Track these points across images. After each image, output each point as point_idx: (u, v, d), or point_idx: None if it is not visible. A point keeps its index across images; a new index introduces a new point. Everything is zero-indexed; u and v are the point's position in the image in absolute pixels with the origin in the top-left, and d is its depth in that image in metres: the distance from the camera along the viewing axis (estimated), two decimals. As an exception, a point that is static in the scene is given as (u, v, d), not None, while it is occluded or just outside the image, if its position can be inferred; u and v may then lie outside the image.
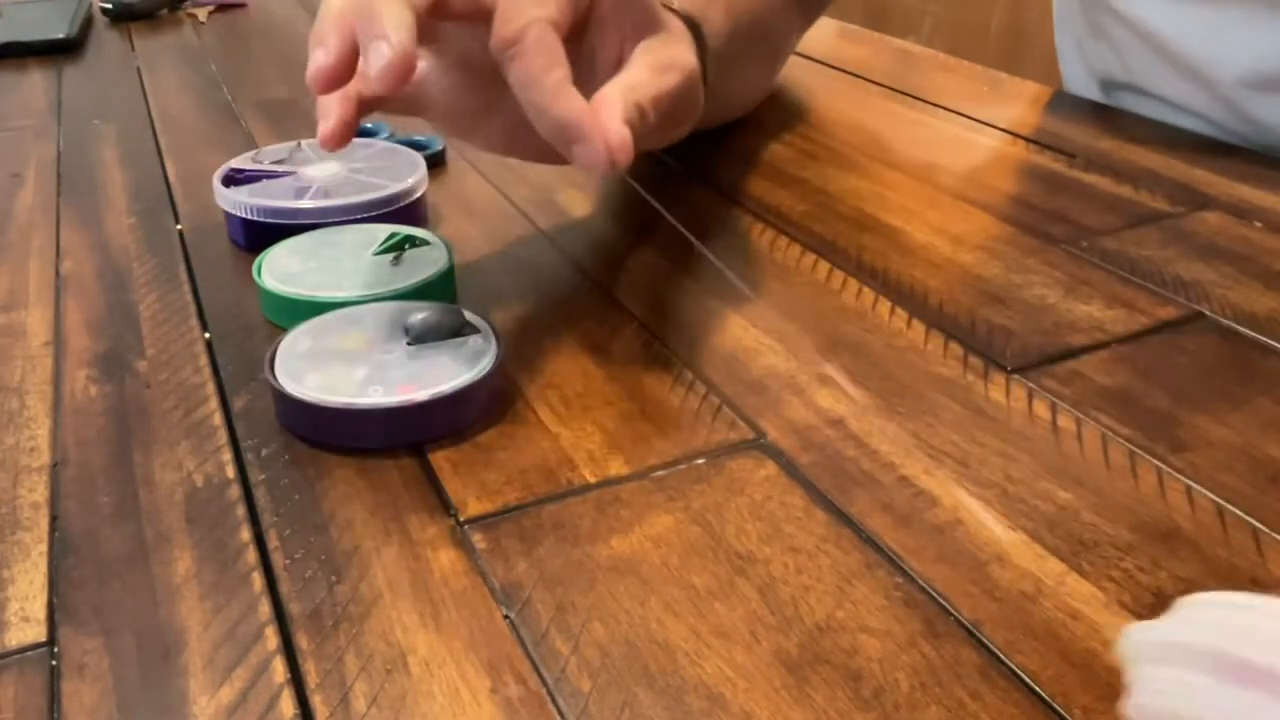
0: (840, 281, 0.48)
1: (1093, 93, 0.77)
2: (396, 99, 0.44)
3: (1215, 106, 0.67)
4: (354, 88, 0.40)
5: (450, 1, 0.40)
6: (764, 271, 0.50)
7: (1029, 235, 0.52)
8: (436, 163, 0.62)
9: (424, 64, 0.43)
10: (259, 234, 0.51)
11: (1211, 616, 0.23)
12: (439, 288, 0.46)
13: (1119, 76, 0.73)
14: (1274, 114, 0.64)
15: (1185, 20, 0.65)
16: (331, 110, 0.40)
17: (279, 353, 0.40)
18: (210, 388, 0.41)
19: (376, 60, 0.36)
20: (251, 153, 0.57)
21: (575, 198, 0.58)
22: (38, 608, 0.31)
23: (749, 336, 0.44)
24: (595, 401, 0.40)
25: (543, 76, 0.38)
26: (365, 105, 0.41)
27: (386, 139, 0.62)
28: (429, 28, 0.40)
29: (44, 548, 0.33)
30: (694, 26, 0.49)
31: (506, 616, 0.30)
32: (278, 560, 0.33)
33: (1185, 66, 0.67)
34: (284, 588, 0.32)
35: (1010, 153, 0.64)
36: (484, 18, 0.39)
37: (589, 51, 0.43)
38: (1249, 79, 0.64)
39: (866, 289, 0.48)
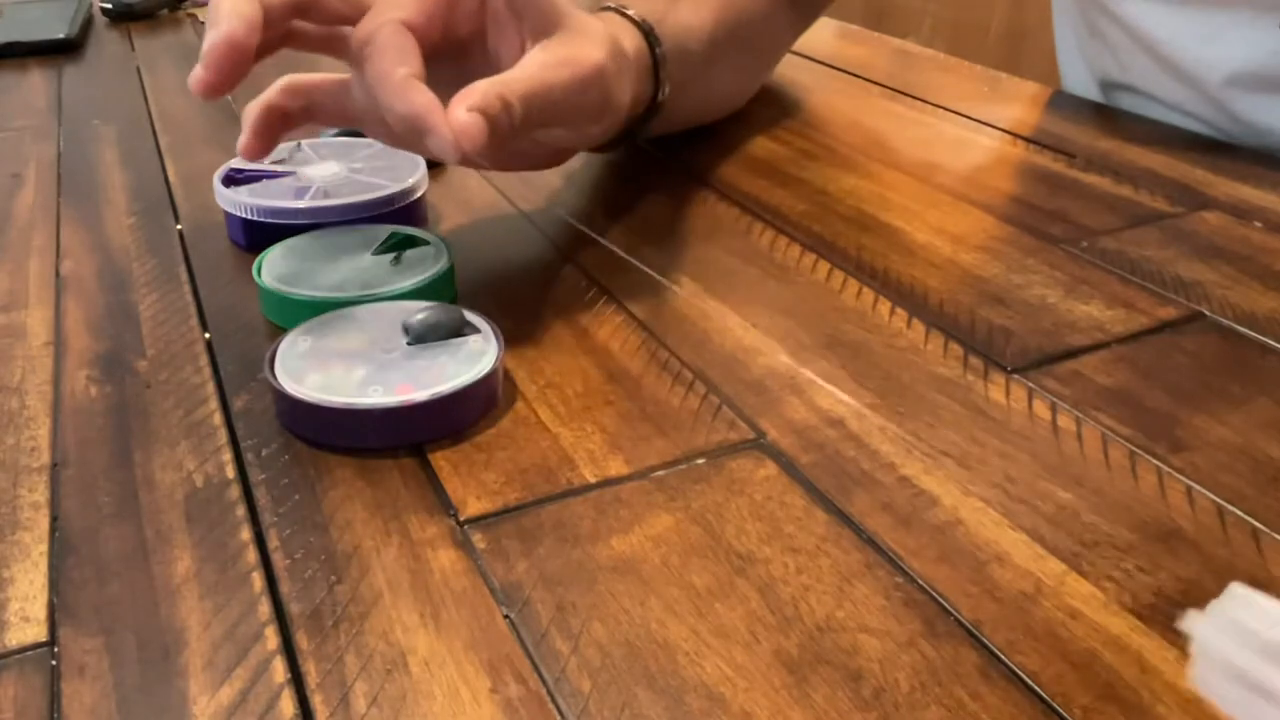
0: (840, 281, 0.48)
1: (1092, 93, 0.77)
2: (334, 117, 0.47)
3: (1207, 108, 0.67)
4: (274, 100, 0.45)
5: (323, 5, 0.43)
6: (764, 271, 0.50)
7: (1029, 235, 0.52)
8: (436, 163, 0.62)
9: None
10: (259, 234, 0.51)
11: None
12: (439, 288, 0.46)
13: (1116, 77, 0.73)
14: (1262, 114, 0.64)
15: (1174, 21, 0.66)
16: (247, 121, 0.44)
17: (279, 353, 0.40)
18: (210, 388, 0.41)
19: (205, 45, 0.39)
20: (251, 153, 0.57)
21: (575, 198, 0.58)
22: (38, 608, 0.31)
23: (749, 336, 0.44)
24: (595, 401, 0.40)
25: (390, 73, 0.40)
26: (280, 117, 0.45)
27: (386, 139, 0.62)
28: (317, 33, 0.45)
29: (44, 548, 0.33)
30: (645, 29, 0.53)
31: (506, 616, 0.30)
32: (278, 560, 0.33)
33: (1174, 67, 0.67)
34: (284, 588, 0.32)
35: (1010, 153, 0.64)
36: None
37: (492, 53, 0.45)
38: (1236, 79, 0.64)
39: (866, 289, 0.48)
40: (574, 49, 0.44)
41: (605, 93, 0.47)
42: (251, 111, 0.45)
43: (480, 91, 0.40)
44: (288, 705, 0.28)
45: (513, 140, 0.43)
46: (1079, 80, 0.79)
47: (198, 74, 0.39)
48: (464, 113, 0.39)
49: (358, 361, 0.39)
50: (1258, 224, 0.53)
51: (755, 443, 0.38)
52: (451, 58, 0.45)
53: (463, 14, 0.45)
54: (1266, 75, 0.63)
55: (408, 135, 0.40)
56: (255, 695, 0.28)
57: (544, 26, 0.44)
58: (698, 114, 0.65)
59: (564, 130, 0.47)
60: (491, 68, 0.44)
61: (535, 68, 0.43)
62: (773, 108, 0.70)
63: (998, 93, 0.75)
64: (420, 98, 0.39)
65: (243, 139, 0.44)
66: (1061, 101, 0.74)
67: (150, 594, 0.31)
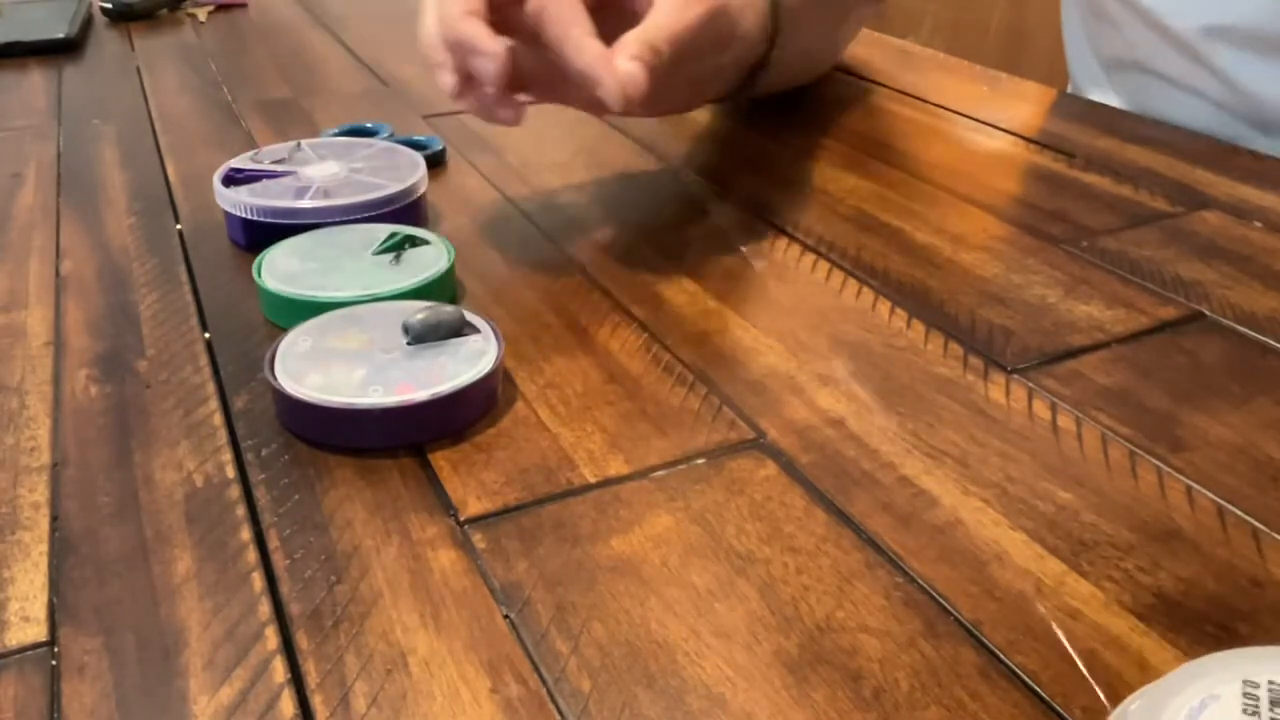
0: (840, 281, 0.48)
1: (1098, 77, 0.78)
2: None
3: (1200, 75, 0.69)
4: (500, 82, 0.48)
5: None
6: (764, 271, 0.50)
7: (1029, 235, 0.52)
8: (436, 163, 0.62)
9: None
10: (259, 234, 0.51)
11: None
12: (439, 288, 0.46)
13: (1123, 55, 0.74)
14: (1244, 73, 0.67)
15: None
16: (494, 106, 0.49)
17: (279, 353, 0.40)
18: (210, 388, 0.41)
19: (485, 74, 0.46)
20: (251, 153, 0.57)
21: (575, 198, 0.58)
22: (38, 608, 0.31)
23: (749, 336, 0.44)
24: (595, 401, 0.40)
25: (567, 33, 0.46)
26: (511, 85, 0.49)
27: (386, 139, 0.62)
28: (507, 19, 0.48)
29: (44, 548, 0.33)
30: None
31: (506, 616, 0.30)
32: (278, 560, 0.33)
33: (1156, 22, 0.69)
34: (284, 588, 0.32)
35: (1010, 153, 0.64)
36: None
37: (629, 7, 0.50)
38: (1213, 30, 0.67)
39: (866, 289, 0.48)
40: None
41: (730, 21, 0.52)
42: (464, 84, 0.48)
43: (633, 41, 0.46)
44: (288, 705, 0.28)
45: (664, 82, 0.48)
46: (1084, 65, 0.80)
47: (506, 116, 0.48)
48: (626, 62, 0.45)
49: (358, 361, 0.39)
50: (1258, 224, 0.53)
51: (755, 443, 0.38)
52: (603, 16, 0.49)
53: None
54: (1242, 29, 0.65)
55: (579, 90, 0.46)
56: (255, 695, 0.28)
57: None
58: (798, 68, 0.69)
59: (699, 65, 0.52)
60: (630, 17, 0.49)
61: (670, 11, 0.48)
62: (773, 107, 0.70)
63: (998, 93, 0.75)
64: (592, 52, 0.45)
65: (506, 113, 0.49)
66: (1061, 101, 0.74)
67: (150, 594, 0.31)
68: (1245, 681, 0.24)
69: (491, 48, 0.45)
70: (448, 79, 0.47)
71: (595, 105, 0.47)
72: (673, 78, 0.49)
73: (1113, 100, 0.77)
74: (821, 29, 0.70)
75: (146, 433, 0.39)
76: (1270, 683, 0.23)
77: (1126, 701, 0.25)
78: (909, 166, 0.61)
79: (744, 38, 0.54)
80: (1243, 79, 0.67)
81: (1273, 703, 0.23)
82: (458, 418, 0.38)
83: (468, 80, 0.47)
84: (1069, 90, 0.83)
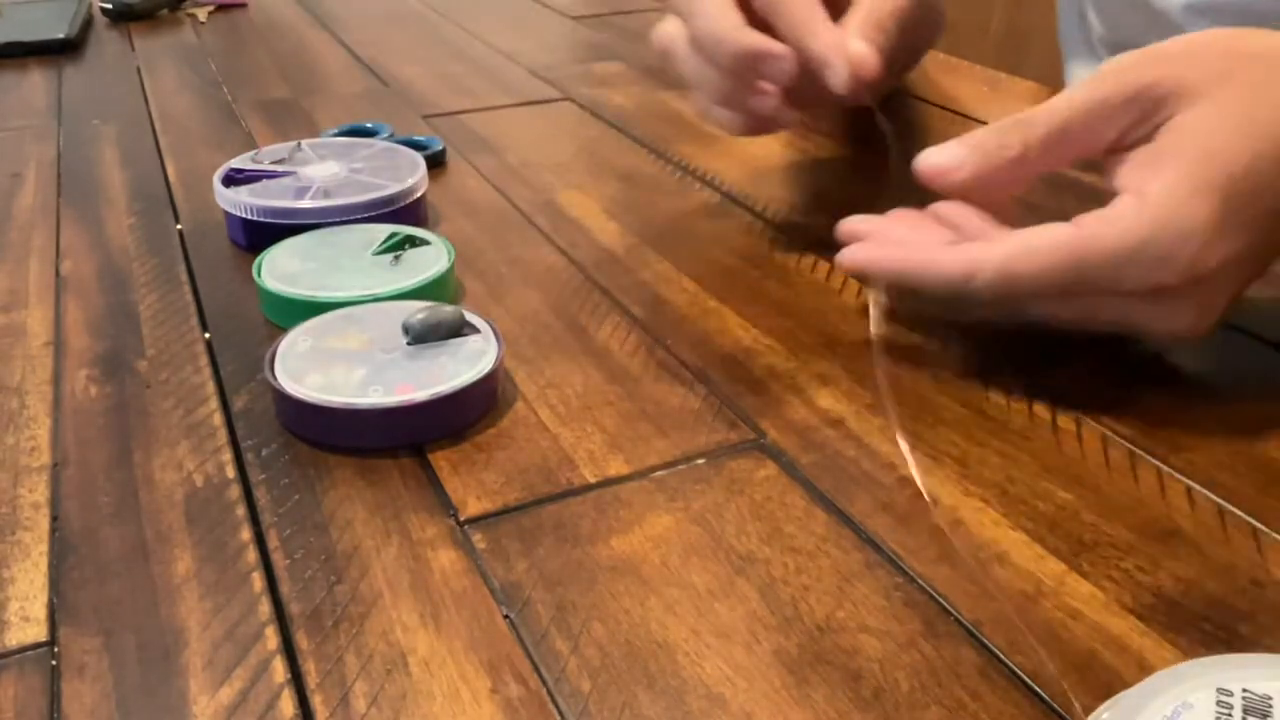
0: (840, 281, 0.48)
1: (1088, 57, 0.79)
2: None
3: None
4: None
5: None
6: (764, 271, 0.50)
7: (1029, 235, 0.52)
8: (436, 163, 0.62)
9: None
10: (259, 234, 0.51)
11: None
12: (439, 288, 0.46)
13: (1112, 35, 0.75)
14: None
15: None
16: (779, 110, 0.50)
17: (279, 353, 0.40)
18: (210, 388, 0.41)
19: (780, 76, 0.47)
20: (251, 153, 0.57)
21: (575, 198, 0.58)
22: (38, 608, 0.31)
23: (749, 336, 0.44)
24: (595, 401, 0.40)
25: (799, 20, 0.46)
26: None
27: (386, 139, 0.62)
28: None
29: (44, 548, 0.33)
30: None
31: (506, 616, 0.30)
32: (278, 560, 0.33)
33: (1145, 5, 0.69)
34: (284, 588, 0.32)
35: (1010, 153, 0.64)
36: None
37: None
38: (1192, 7, 0.66)
39: (866, 289, 0.48)
40: None
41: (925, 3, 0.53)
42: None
43: (858, 23, 0.47)
44: (288, 705, 0.28)
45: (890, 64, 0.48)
46: (1075, 44, 0.80)
47: (789, 118, 0.50)
48: (857, 43, 0.46)
49: (358, 361, 0.39)
50: (1258, 224, 0.53)
51: (755, 443, 0.38)
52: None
53: None
54: (1227, 7, 0.64)
55: (819, 72, 0.46)
56: (255, 695, 0.28)
57: None
58: (915, 56, 0.69)
59: (912, 34, 0.52)
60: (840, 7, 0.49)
61: None
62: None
63: (998, 93, 0.75)
64: (829, 34, 0.46)
65: (789, 114, 0.50)
66: (1061, 101, 0.73)
67: (150, 594, 0.31)
68: (1219, 690, 0.24)
69: (780, 49, 0.46)
70: (787, 67, 0.46)
71: (818, 97, 0.48)
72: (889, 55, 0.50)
73: None
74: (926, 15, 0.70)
75: (146, 433, 0.39)
76: (1244, 691, 0.23)
77: (1100, 709, 0.25)
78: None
79: (933, 13, 0.55)
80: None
81: (1246, 711, 0.23)
82: (458, 418, 0.38)
83: (749, 90, 0.48)
84: (1065, 73, 0.83)
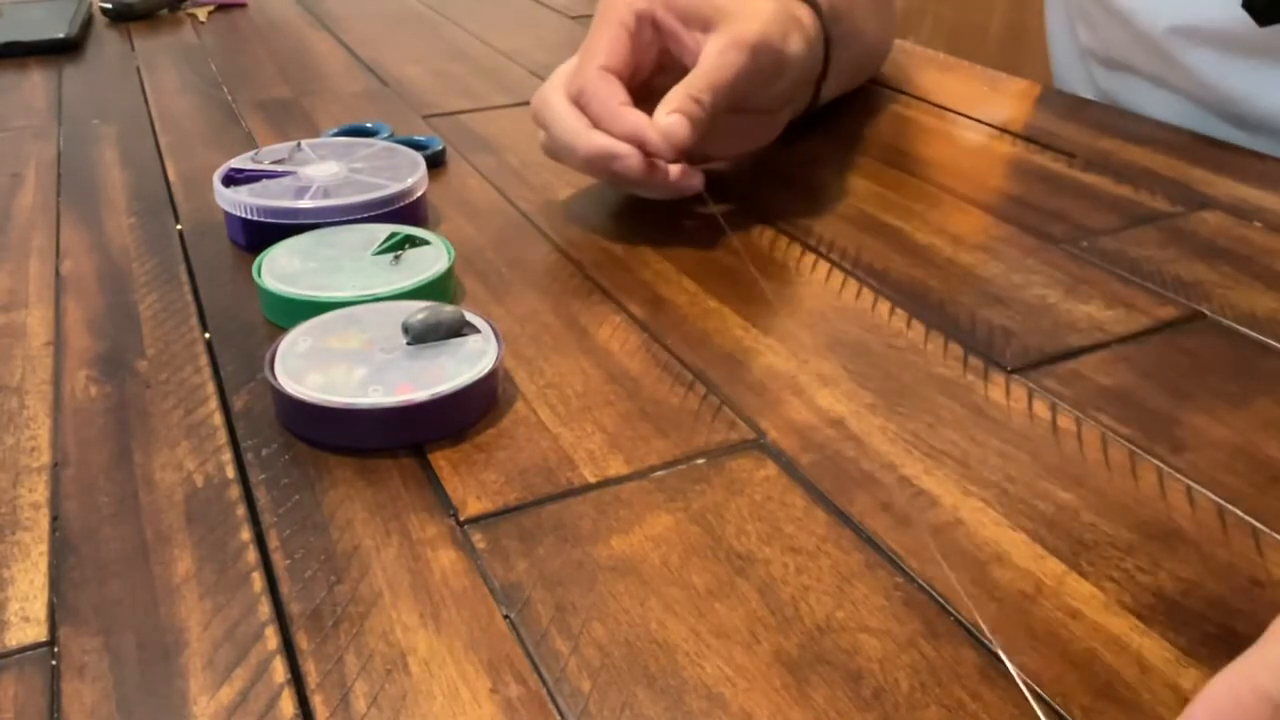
0: (840, 281, 0.48)
1: (1079, 72, 0.79)
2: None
3: (1171, 73, 0.69)
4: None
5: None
6: (764, 271, 0.50)
7: (1029, 235, 0.52)
8: (436, 163, 0.62)
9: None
10: (259, 234, 0.51)
11: None
12: (439, 288, 0.46)
13: (1100, 51, 0.75)
14: (1208, 70, 0.67)
15: None
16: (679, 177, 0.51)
17: (279, 353, 0.40)
18: (210, 388, 0.41)
19: (664, 150, 0.49)
20: (251, 153, 0.57)
21: (575, 198, 0.58)
22: (38, 608, 0.31)
23: (749, 336, 0.44)
24: (595, 401, 0.40)
25: (605, 110, 0.50)
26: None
27: (386, 139, 0.62)
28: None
29: (44, 548, 0.33)
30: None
31: (506, 616, 0.30)
32: (278, 560, 0.33)
33: (1126, 21, 0.70)
34: (284, 588, 0.32)
35: (1010, 153, 0.64)
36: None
37: (681, 63, 0.53)
38: (1176, 30, 0.67)
39: (866, 289, 0.48)
40: (732, 32, 0.51)
41: (775, 52, 0.53)
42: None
43: (674, 97, 0.49)
44: (288, 705, 0.28)
45: (727, 122, 0.51)
46: (1066, 59, 0.80)
47: (694, 183, 0.51)
48: (665, 117, 0.48)
49: (358, 361, 0.39)
50: (1258, 224, 0.53)
51: (755, 443, 0.38)
52: (658, 79, 0.53)
53: (644, 43, 0.53)
54: (1206, 29, 0.65)
55: (628, 157, 0.49)
56: (255, 695, 0.28)
57: (708, 20, 0.52)
58: (855, 71, 0.70)
59: (759, 98, 0.54)
60: (684, 75, 0.51)
61: (710, 60, 0.50)
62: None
63: (998, 93, 0.75)
64: (631, 120, 0.49)
65: (693, 180, 0.51)
66: (1061, 101, 0.74)
67: (150, 594, 0.31)
68: None
69: (624, 149, 0.49)
70: (633, 163, 0.49)
71: (653, 174, 0.50)
72: (737, 117, 0.52)
73: (1093, 95, 0.77)
74: (870, 19, 0.70)
75: (146, 433, 0.39)
76: None
77: None
78: (909, 166, 0.61)
79: (795, 60, 0.54)
80: (1212, 78, 0.67)
81: None
82: (458, 418, 0.38)
83: (624, 181, 0.51)
84: (1054, 85, 0.83)
